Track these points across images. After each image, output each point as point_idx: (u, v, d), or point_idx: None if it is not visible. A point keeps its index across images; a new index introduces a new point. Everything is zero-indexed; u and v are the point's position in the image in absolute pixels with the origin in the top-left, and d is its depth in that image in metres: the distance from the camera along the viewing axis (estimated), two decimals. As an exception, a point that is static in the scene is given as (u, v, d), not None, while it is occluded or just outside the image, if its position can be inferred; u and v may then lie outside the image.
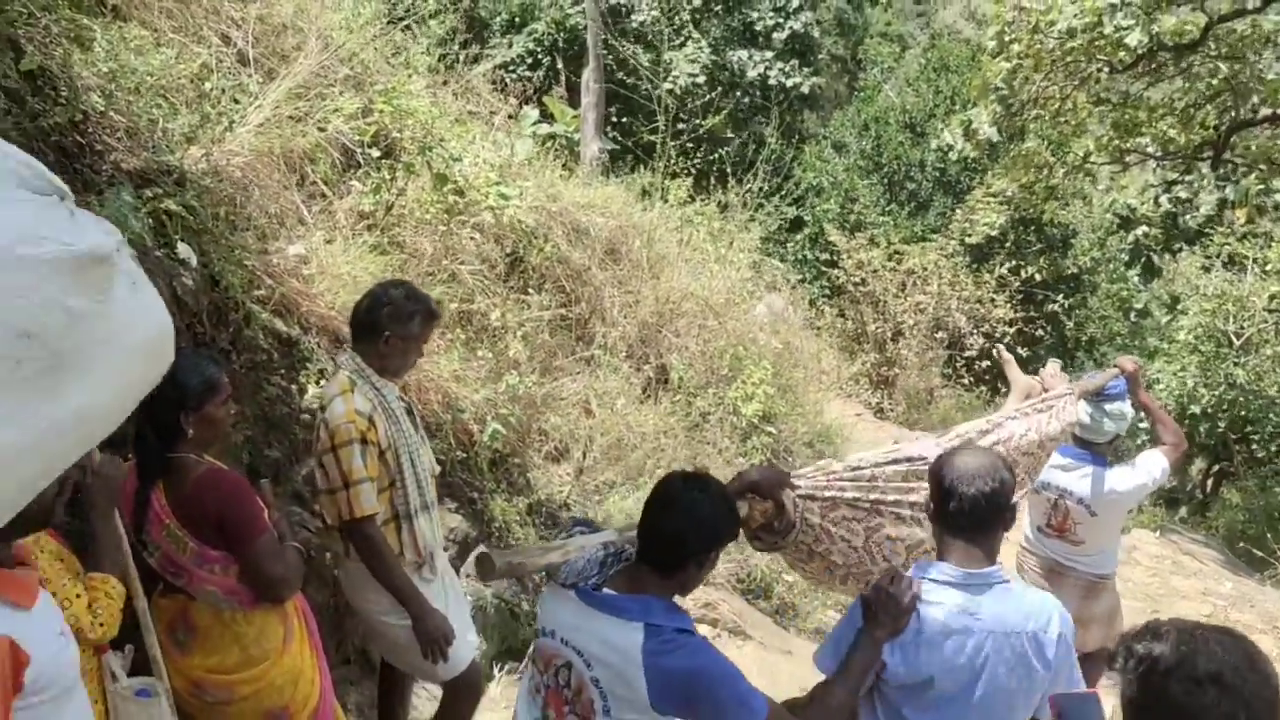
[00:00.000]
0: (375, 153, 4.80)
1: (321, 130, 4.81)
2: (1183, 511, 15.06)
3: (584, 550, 2.38)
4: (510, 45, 14.42)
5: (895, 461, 3.07)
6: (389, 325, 3.14)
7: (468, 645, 3.48)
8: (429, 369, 4.59)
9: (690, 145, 7.70)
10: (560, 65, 13.94)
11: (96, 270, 1.67)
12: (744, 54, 17.20)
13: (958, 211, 14.43)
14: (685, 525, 2.31)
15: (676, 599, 2.39)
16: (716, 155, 8.00)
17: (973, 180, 16.32)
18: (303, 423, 3.98)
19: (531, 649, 2.91)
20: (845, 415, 8.84)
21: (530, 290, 6.27)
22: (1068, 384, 3.97)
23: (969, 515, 2.49)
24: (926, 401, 11.98)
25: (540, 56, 14.66)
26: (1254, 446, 14.87)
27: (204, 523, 2.65)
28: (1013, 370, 4.74)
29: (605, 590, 2.35)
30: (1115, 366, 4.24)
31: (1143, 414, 4.44)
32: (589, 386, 6.26)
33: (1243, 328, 14.76)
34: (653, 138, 7.47)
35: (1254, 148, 13.86)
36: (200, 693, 2.74)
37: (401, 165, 4.84)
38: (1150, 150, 14.67)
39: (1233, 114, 13.55)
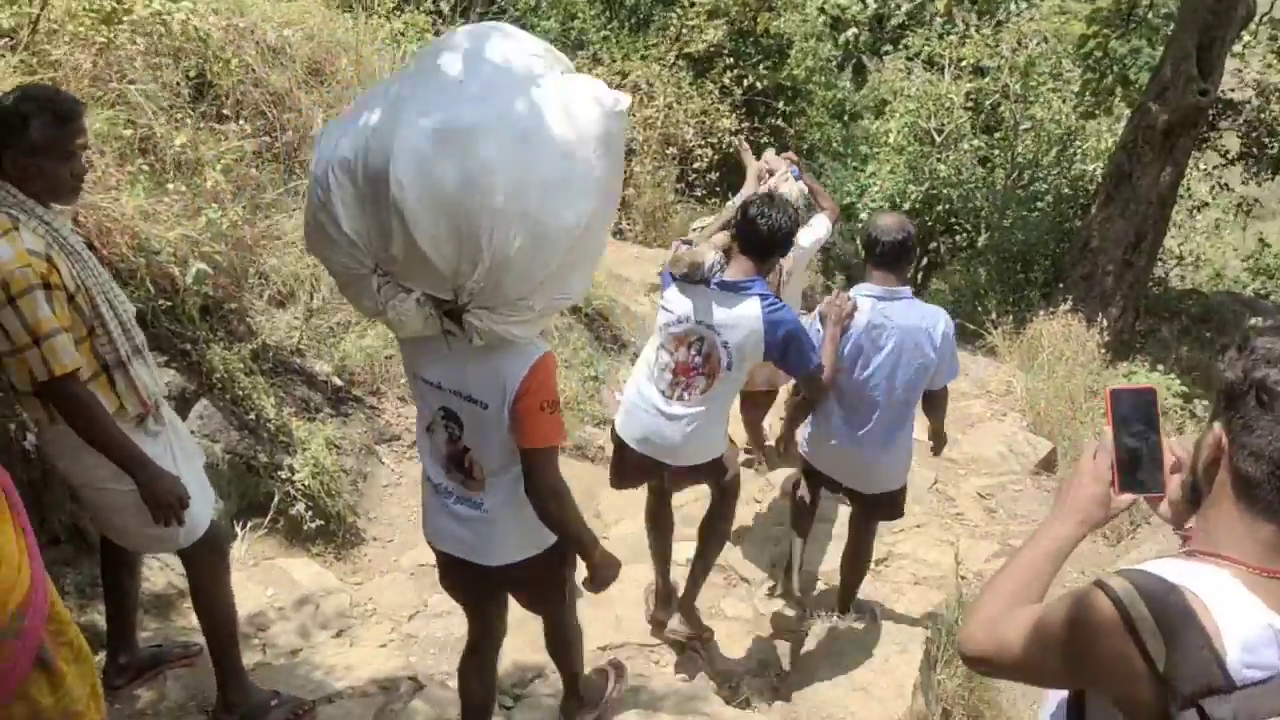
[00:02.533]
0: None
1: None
2: (900, 300, 16.14)
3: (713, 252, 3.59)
4: None
5: None
6: (12, 137, 2.58)
7: (206, 504, 3.10)
8: (109, 206, 3.98)
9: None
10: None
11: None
12: None
13: (674, 20, 14.22)
14: (775, 227, 3.52)
15: None
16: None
17: (689, -7, 16.17)
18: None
19: (661, 343, 3.71)
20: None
21: (226, 118, 5.59)
22: (785, 163, 5.11)
23: (888, 253, 3.86)
24: (663, 218, 12.01)
25: None
26: (957, 236, 16.04)
27: None
28: (747, 158, 5.44)
29: (724, 277, 3.54)
30: (786, 158, 5.21)
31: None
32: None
33: (943, 125, 15.60)
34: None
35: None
36: None
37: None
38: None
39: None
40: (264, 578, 4.11)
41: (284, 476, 4.48)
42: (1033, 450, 7.33)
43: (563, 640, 3.28)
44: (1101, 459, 1.59)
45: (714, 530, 4.16)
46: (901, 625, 4.51)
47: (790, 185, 4.89)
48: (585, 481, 6.01)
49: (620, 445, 3.97)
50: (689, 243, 3.92)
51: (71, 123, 2.68)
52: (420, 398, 2.78)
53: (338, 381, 5.31)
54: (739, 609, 4.81)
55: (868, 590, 5.09)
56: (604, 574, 2.82)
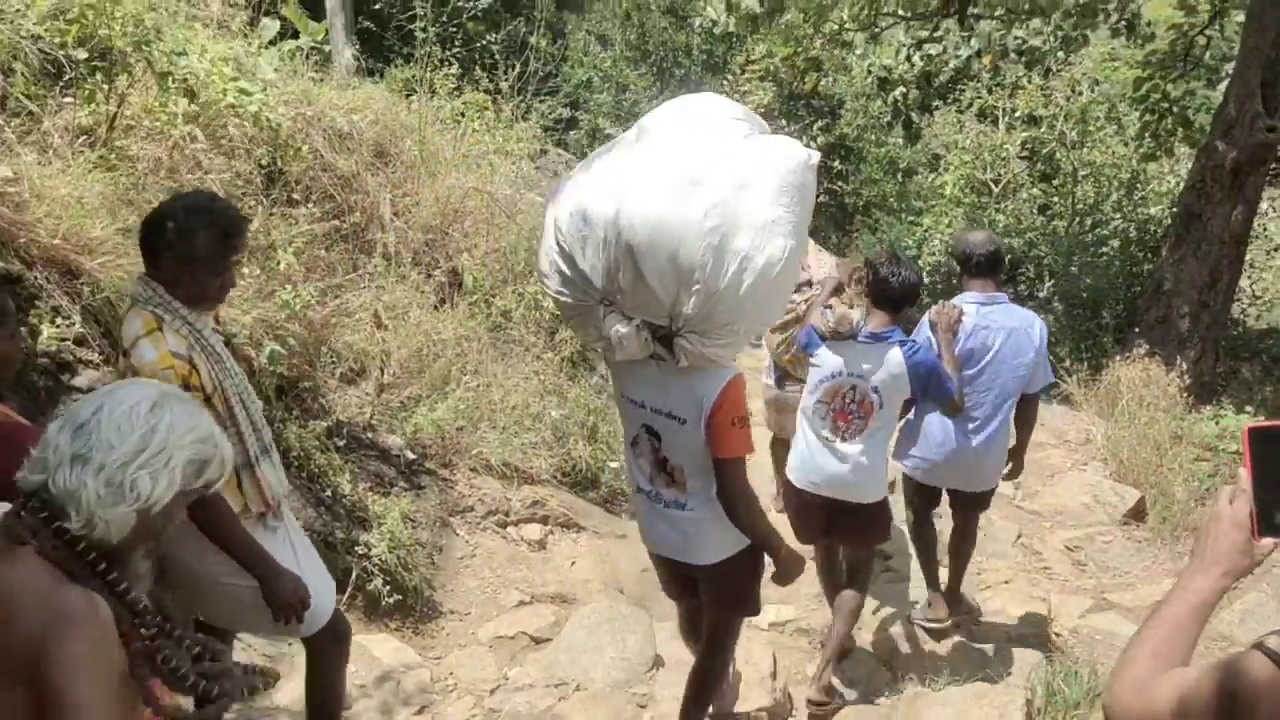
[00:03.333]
0: (82, 54, 4.12)
1: (12, 35, 4.10)
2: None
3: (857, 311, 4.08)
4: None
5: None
6: (175, 244, 2.59)
7: (329, 594, 3.08)
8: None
9: (454, 30, 7.15)
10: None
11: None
12: None
13: (724, 86, 14.38)
14: (906, 282, 3.94)
15: None
16: (479, 45, 7.46)
17: (738, 59, 16.38)
18: (40, 368, 3.44)
19: (819, 398, 4.07)
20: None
21: (296, 202, 5.73)
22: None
23: (984, 264, 4.50)
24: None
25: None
26: (1020, 285, 15.81)
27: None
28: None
29: (870, 330, 3.98)
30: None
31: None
32: (376, 299, 5.82)
33: (1000, 175, 15.50)
34: (411, 25, 6.88)
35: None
36: None
37: (116, 66, 4.19)
38: (901, 12, 15.05)
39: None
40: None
41: (361, 552, 4.47)
42: (1120, 500, 7.08)
43: (710, 672, 3.50)
44: (1240, 504, 1.49)
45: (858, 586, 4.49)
46: (996, 686, 4.33)
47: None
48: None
49: (794, 492, 4.27)
50: (829, 307, 4.15)
51: (234, 238, 2.71)
52: (626, 416, 3.17)
53: (410, 455, 5.33)
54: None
55: (958, 649, 4.94)
56: (789, 568, 3.19)
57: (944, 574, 5.16)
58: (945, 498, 4.94)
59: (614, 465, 6.25)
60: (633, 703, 4.08)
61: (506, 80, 7.31)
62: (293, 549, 2.95)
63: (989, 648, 5.05)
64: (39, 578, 1.67)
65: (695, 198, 2.69)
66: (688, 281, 2.71)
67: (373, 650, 4.13)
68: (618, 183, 2.75)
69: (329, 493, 4.53)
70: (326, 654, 3.10)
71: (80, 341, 3.70)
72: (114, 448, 1.67)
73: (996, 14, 16.34)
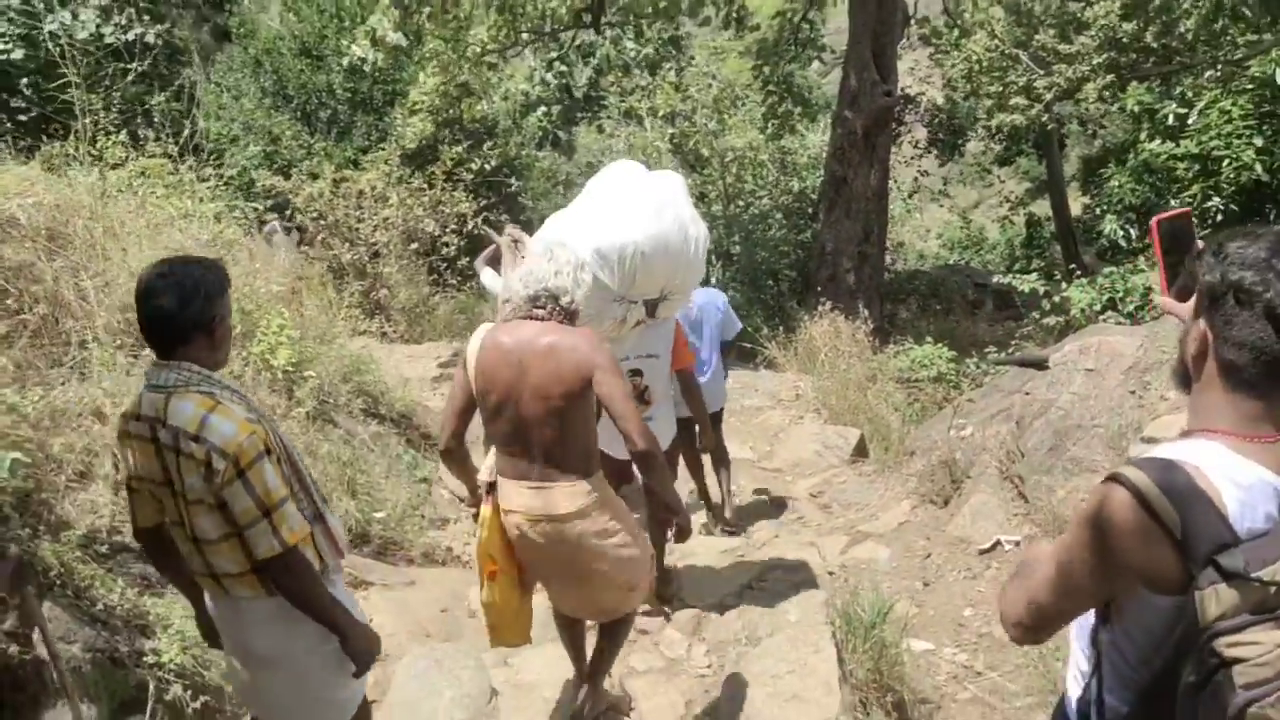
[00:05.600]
0: None
1: None
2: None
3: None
4: None
5: None
6: (216, 307, 2.54)
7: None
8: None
9: (110, 96, 6.62)
10: None
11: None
12: (64, 15, 14.84)
13: (395, 122, 14.25)
14: None
15: None
16: (140, 109, 6.94)
17: (386, 92, 16.21)
18: None
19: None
20: (361, 347, 8.47)
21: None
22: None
23: None
24: (425, 314, 11.89)
25: None
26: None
27: None
28: (494, 235, 5.66)
29: None
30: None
31: None
32: (88, 392, 5.30)
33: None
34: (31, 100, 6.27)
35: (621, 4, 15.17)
36: None
37: None
38: (533, 31, 15.53)
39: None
40: (167, 773, 3.73)
41: (150, 661, 4.09)
42: (845, 441, 7.80)
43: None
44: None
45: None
46: (804, 627, 4.68)
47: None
48: (448, 586, 5.86)
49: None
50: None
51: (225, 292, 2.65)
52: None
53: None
54: (649, 660, 4.82)
55: (752, 607, 5.26)
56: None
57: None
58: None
59: (380, 515, 6.08)
60: (485, 734, 4.04)
61: (176, 142, 6.87)
62: (349, 601, 2.90)
63: (779, 599, 5.44)
64: (572, 329, 3.21)
65: (663, 215, 4.18)
66: (679, 263, 4.28)
67: (196, 760, 3.81)
68: (611, 226, 4.07)
69: (100, 606, 4.10)
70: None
71: None
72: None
73: (621, 23, 17.32)
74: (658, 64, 19.54)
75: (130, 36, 14.26)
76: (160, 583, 4.66)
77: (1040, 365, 6.54)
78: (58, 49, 6.34)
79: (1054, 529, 5.62)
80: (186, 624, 4.26)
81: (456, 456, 3.43)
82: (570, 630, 3.99)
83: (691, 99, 16.54)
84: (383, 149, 14.22)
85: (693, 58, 19.88)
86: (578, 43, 18.61)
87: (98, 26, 14.04)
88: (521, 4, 14.66)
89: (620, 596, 3.54)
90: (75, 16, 13.51)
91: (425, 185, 12.30)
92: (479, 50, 14.21)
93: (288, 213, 11.27)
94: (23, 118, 10.48)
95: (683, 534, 3.50)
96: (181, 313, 2.49)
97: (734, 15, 17.64)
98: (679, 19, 20.49)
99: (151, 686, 4.03)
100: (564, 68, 20.92)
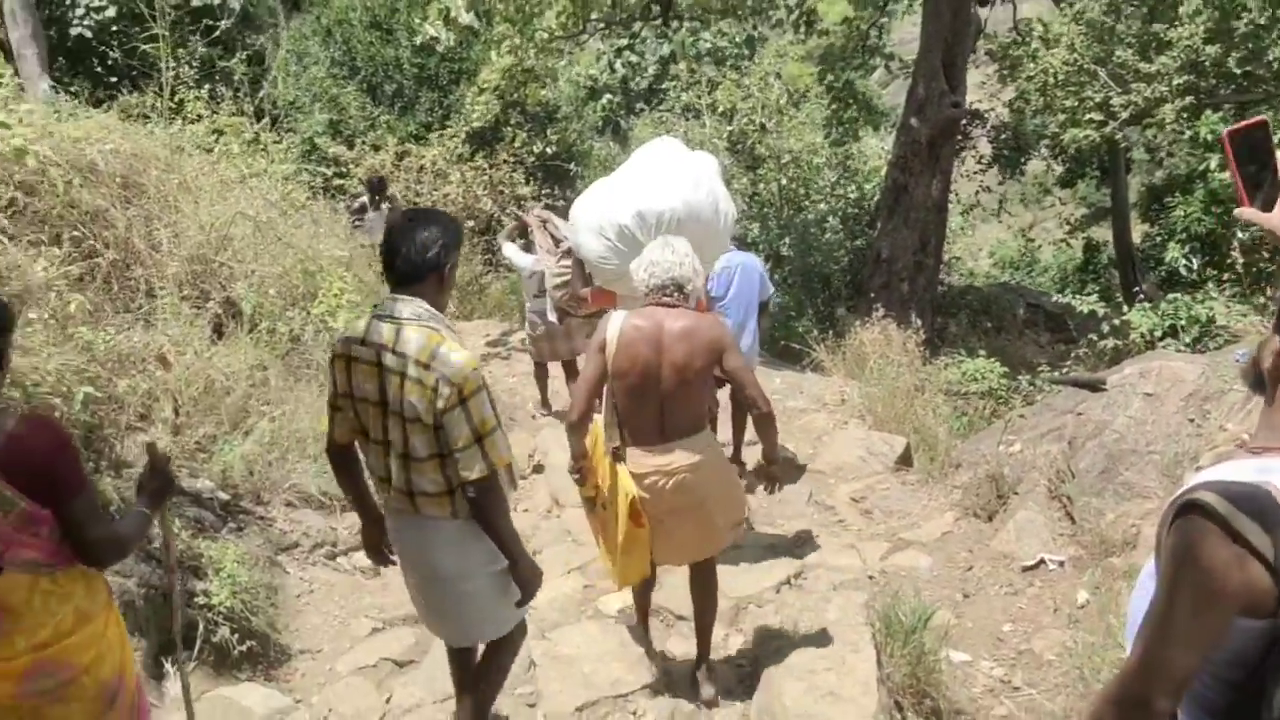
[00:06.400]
0: None
1: None
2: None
3: None
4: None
5: None
6: (450, 256, 2.93)
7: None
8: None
9: (191, 55, 6.72)
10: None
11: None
12: None
13: (463, 100, 14.33)
14: None
15: None
16: (219, 69, 7.05)
17: (452, 70, 16.29)
18: None
19: None
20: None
21: (42, 242, 5.22)
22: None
23: None
24: (476, 291, 11.97)
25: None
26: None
27: (32, 475, 2.15)
28: (526, 217, 7.42)
29: None
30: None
31: None
32: (154, 338, 5.40)
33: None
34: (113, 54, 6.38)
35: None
36: (31, 685, 2.22)
37: None
38: (604, 18, 15.55)
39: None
40: (212, 713, 3.79)
41: (201, 602, 4.17)
42: (890, 448, 7.74)
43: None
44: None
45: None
46: (843, 626, 4.66)
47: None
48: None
49: None
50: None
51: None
52: None
53: (223, 496, 5.00)
54: (686, 647, 4.82)
55: (792, 602, 5.25)
56: None
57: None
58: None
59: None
60: (522, 703, 4.07)
61: (252, 103, 6.98)
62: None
63: (819, 598, 5.42)
64: (699, 313, 3.75)
65: (699, 187, 4.60)
66: (709, 233, 4.62)
67: (240, 701, 3.86)
68: (653, 192, 4.51)
69: (155, 545, 4.18)
70: (513, 644, 3.38)
71: None
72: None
73: (693, 18, 17.29)
74: (724, 60, 19.53)
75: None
76: (213, 527, 4.75)
77: (1096, 387, 6.47)
78: (140, 4, 6.46)
79: (1100, 552, 5.56)
80: (238, 570, 4.34)
81: (581, 429, 3.76)
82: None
83: (753, 98, 16.47)
84: (447, 125, 14.30)
85: (756, 59, 19.82)
86: (640, 32, 18.63)
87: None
88: (592, -8, 14.70)
89: (725, 534, 4.02)
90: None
91: (486, 165, 12.34)
92: (546, 36, 14.25)
93: (390, 192, 10.55)
94: (112, 78, 10.65)
95: (772, 481, 4.11)
96: (423, 254, 2.85)
97: (804, 17, 17.64)
98: (752, 20, 20.52)
99: (201, 626, 4.11)
100: (633, 57, 20.96)
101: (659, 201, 4.48)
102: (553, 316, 7.41)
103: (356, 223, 9.77)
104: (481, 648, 3.38)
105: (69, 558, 2.28)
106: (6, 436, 2.13)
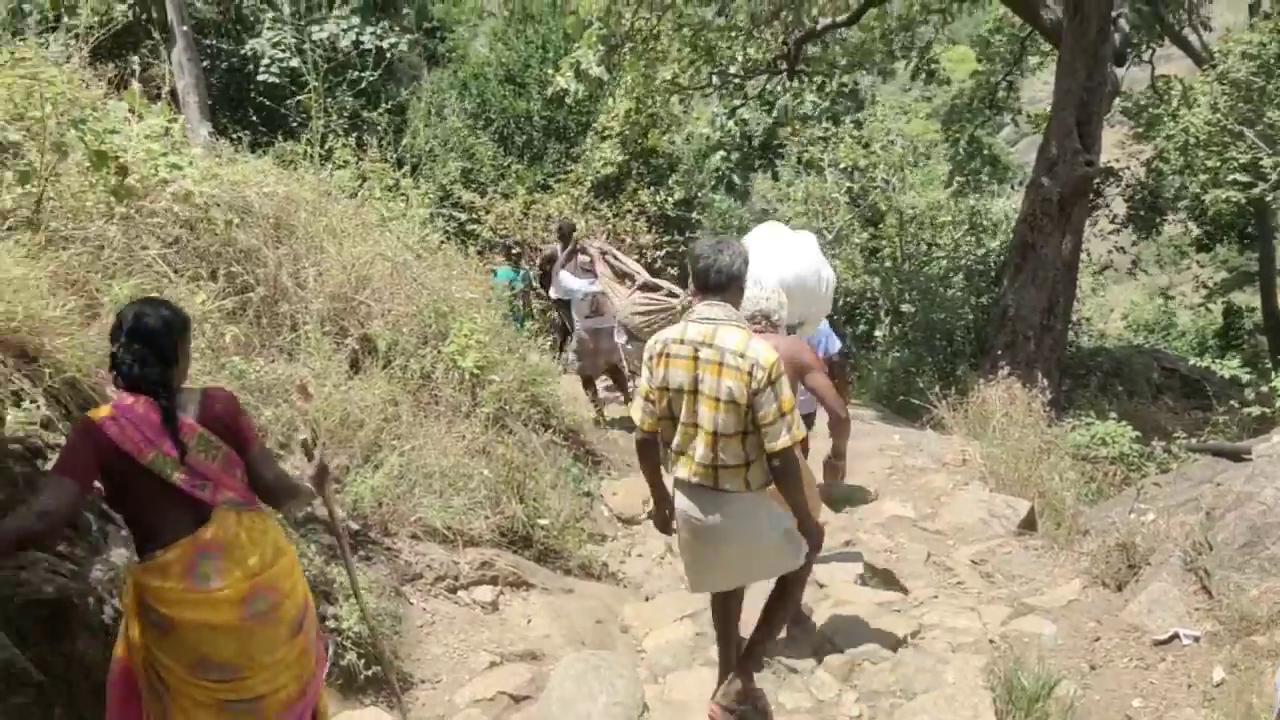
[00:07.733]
0: (13, 134, 3.88)
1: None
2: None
3: None
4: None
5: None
6: (746, 270, 3.77)
7: None
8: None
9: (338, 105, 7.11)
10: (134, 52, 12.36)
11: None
12: (331, 25, 16.04)
13: (586, 149, 14.67)
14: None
15: None
16: (363, 118, 7.44)
17: (580, 123, 16.72)
18: (14, 454, 3.22)
19: None
20: (540, 361, 8.73)
21: (200, 276, 5.54)
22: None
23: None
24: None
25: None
26: (859, 325, 16.58)
27: (226, 430, 2.84)
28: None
29: None
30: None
31: None
32: (297, 371, 5.66)
33: (831, 223, 16.24)
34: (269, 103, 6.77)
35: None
36: (250, 608, 2.77)
37: (49, 145, 3.97)
38: (734, 71, 15.77)
39: (797, 28, 14.76)
40: (339, 734, 3.92)
41: (331, 626, 4.32)
42: (1013, 511, 7.54)
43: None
44: None
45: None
46: (962, 689, 4.55)
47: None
48: (602, 599, 5.95)
49: None
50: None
51: None
52: None
53: (354, 526, 5.18)
54: (797, 699, 4.77)
55: (908, 662, 5.14)
56: None
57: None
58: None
59: (543, 523, 6.24)
60: (636, 745, 4.09)
61: (395, 151, 7.31)
62: None
63: (936, 659, 5.30)
64: (785, 337, 4.54)
65: (803, 260, 5.69)
66: (813, 298, 5.76)
67: (366, 726, 3.99)
68: (768, 265, 5.15)
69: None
70: (793, 581, 4.22)
71: (46, 425, 3.48)
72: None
73: (818, 72, 17.37)
74: (839, 116, 19.51)
75: (385, 44, 15.52)
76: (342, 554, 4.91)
77: (1239, 456, 6.20)
78: (314, 57, 6.87)
79: (1241, 629, 5.29)
80: (368, 597, 4.48)
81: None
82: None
83: (874, 154, 16.40)
84: (570, 172, 14.64)
85: (872, 111, 19.66)
86: (759, 91, 18.76)
87: (357, 35, 15.36)
88: (716, 43, 14.93)
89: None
90: (344, 28, 14.90)
91: (611, 215, 12.59)
92: (668, 81, 14.50)
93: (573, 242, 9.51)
94: (291, 125, 11.30)
95: (835, 473, 4.51)
96: (730, 268, 3.68)
97: (924, 67, 17.54)
98: (859, 75, 20.42)
99: (331, 650, 4.25)
100: (745, 116, 21.14)
101: (773, 272, 5.18)
102: (621, 338, 8.77)
103: (543, 272, 10.08)
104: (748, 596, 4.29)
105: (254, 500, 2.88)
106: (201, 402, 2.82)
